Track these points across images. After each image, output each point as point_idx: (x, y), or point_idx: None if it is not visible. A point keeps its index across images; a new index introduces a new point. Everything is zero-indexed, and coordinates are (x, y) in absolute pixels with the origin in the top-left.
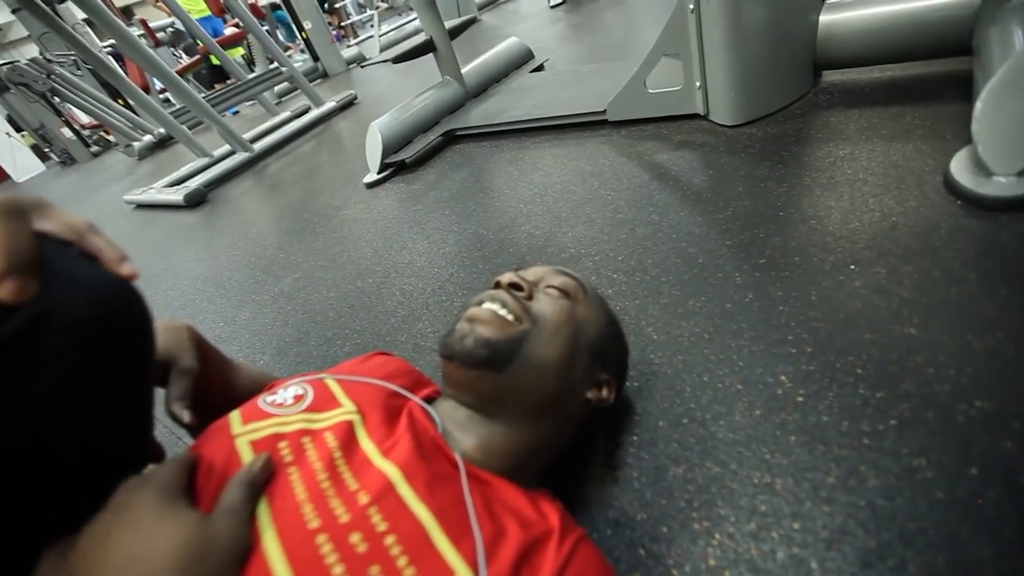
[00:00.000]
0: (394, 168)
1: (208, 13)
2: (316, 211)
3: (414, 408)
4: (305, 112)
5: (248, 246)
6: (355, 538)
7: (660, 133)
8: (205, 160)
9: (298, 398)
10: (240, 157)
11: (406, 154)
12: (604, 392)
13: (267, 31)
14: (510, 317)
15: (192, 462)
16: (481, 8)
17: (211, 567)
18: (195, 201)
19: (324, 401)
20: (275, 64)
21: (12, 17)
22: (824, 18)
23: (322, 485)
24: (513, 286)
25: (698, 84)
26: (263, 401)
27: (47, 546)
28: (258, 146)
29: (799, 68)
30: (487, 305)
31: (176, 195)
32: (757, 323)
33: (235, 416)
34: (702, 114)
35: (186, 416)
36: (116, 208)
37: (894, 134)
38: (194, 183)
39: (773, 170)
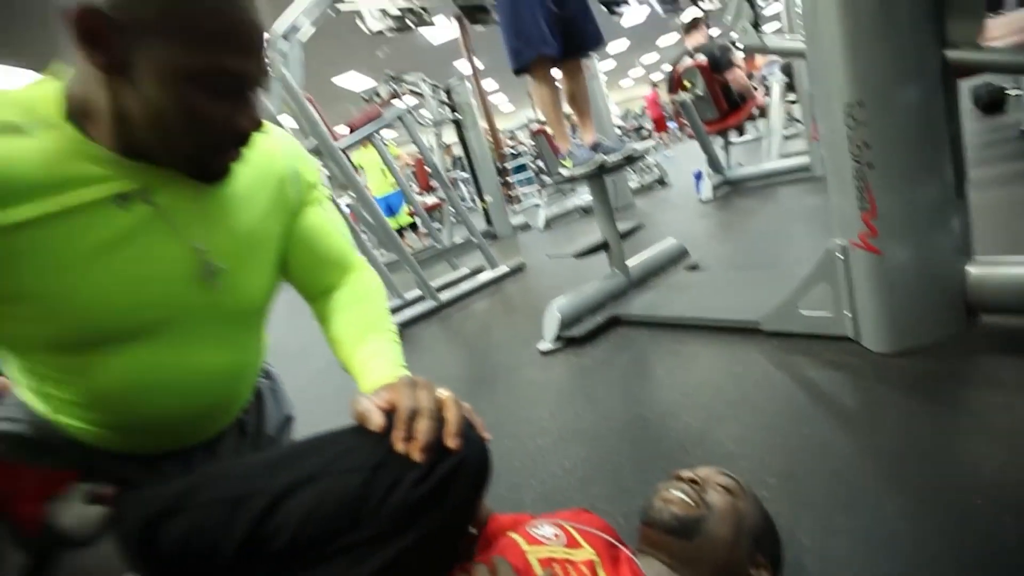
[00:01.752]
0: (566, 341)
1: (392, 190)
2: (496, 366)
3: (628, 557)
4: (480, 271)
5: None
6: None
7: (811, 349)
8: (398, 301)
9: (556, 536)
10: (429, 304)
11: (577, 331)
12: (763, 573)
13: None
14: (691, 503)
15: (510, 566)
16: (635, 192)
17: None
18: None
19: (572, 542)
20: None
21: None
22: (973, 269)
23: None
24: (692, 481)
25: (847, 313)
26: (534, 531)
27: None
28: (443, 296)
29: (950, 308)
30: (675, 492)
31: None
32: (909, 555)
33: (519, 538)
34: (852, 338)
35: None
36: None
37: None
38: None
39: (923, 405)
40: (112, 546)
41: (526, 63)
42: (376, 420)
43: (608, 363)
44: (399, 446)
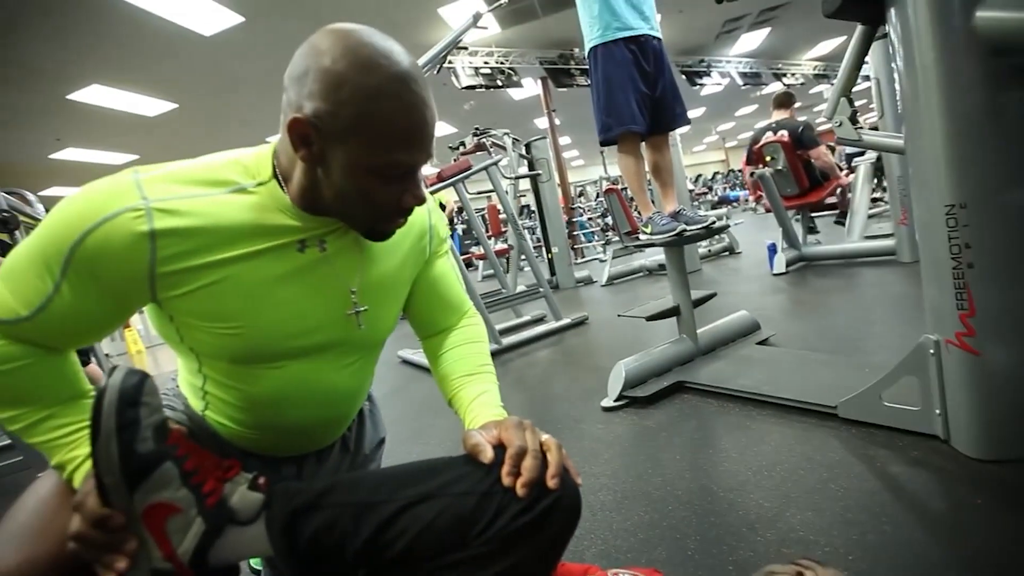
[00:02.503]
0: (629, 401)
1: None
2: (558, 417)
3: None
4: (542, 319)
5: None
6: None
7: (893, 443)
8: None
9: None
10: (491, 347)
11: (642, 393)
12: None
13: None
14: None
15: None
16: (702, 259)
17: None
18: None
19: None
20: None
21: None
22: None
23: None
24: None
25: (938, 411)
26: None
27: None
28: (505, 340)
29: None
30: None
31: None
32: None
33: None
34: (942, 438)
35: None
36: (385, 359)
37: None
38: None
39: (1019, 518)
40: (263, 529)
41: (614, 137)
42: (488, 454)
43: (673, 429)
44: (507, 480)
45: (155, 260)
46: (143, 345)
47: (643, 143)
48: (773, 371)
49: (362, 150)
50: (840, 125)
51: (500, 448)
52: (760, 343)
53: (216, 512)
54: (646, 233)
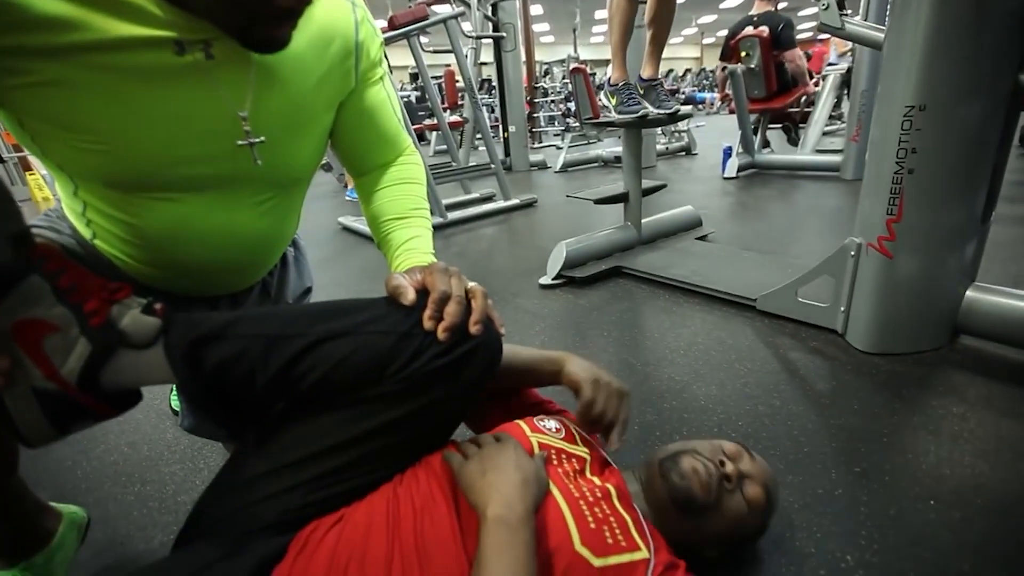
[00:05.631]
0: (566, 280)
1: None
2: (496, 291)
3: (616, 469)
4: (491, 198)
5: None
6: (596, 511)
7: (798, 334)
8: None
9: (557, 430)
10: (436, 219)
11: (580, 273)
12: (713, 556)
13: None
14: (711, 491)
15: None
16: (659, 156)
17: (542, 485)
18: None
19: (570, 438)
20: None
21: None
22: (971, 294)
23: (575, 479)
24: (726, 478)
25: (842, 308)
26: (539, 423)
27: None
28: (451, 215)
29: (937, 324)
30: (703, 472)
31: None
32: (839, 511)
33: (524, 425)
34: (839, 332)
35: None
36: (326, 224)
37: (1009, 412)
38: None
39: (889, 402)
40: (162, 355)
41: None
42: (409, 296)
43: (604, 308)
44: (428, 324)
45: None
46: (50, 192)
47: None
48: (706, 264)
49: None
50: (827, 8)
51: (424, 293)
52: (699, 239)
53: (102, 333)
54: (611, 102)
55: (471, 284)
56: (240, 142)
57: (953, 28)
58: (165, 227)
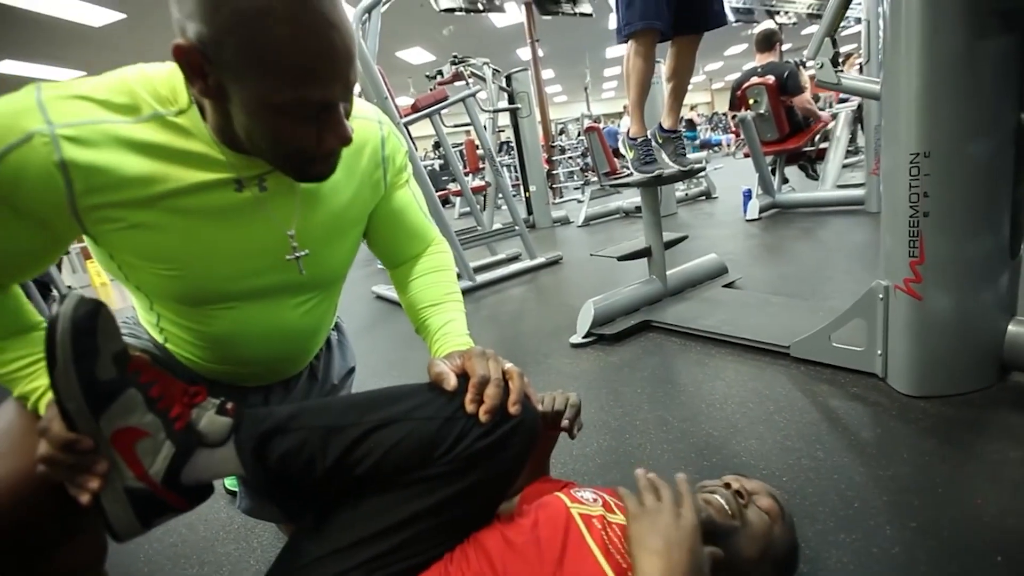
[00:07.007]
0: (597, 338)
1: None
2: (527, 352)
3: None
4: (516, 258)
5: None
6: None
7: (837, 380)
8: None
9: (595, 500)
10: (464, 284)
11: (610, 330)
12: None
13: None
14: (730, 512)
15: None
16: (679, 202)
17: None
18: None
19: (608, 508)
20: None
21: None
22: (1014, 328)
23: (623, 551)
24: (738, 493)
25: (879, 352)
26: (576, 494)
27: None
28: (480, 278)
29: (982, 362)
30: (718, 497)
31: None
32: (898, 571)
33: (564, 497)
34: (880, 376)
35: None
36: (361, 295)
37: None
38: None
39: (939, 448)
40: (233, 451)
41: (632, 32)
42: (451, 382)
43: (636, 365)
44: (470, 407)
45: (73, 193)
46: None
47: (671, 46)
48: (735, 312)
49: (260, 87)
50: (821, 67)
51: (464, 377)
52: (726, 286)
53: (185, 436)
54: (628, 155)
55: (507, 365)
56: (288, 257)
57: (948, 74)
58: (225, 331)
